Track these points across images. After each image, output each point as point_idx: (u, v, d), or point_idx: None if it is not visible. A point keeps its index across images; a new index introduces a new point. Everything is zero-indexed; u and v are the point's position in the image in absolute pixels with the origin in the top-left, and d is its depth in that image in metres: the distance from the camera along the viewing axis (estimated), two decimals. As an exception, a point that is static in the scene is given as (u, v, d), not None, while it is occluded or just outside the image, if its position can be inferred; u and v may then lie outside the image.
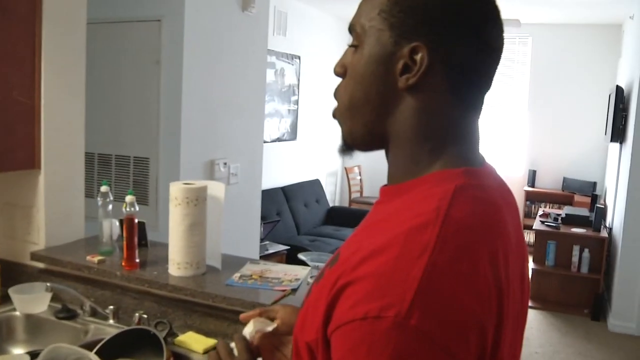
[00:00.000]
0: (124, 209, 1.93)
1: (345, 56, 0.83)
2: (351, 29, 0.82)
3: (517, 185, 7.50)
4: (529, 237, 6.33)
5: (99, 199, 2.05)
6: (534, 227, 5.68)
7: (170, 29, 3.07)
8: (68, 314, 1.94)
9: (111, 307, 1.90)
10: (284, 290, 1.79)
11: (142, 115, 3.18)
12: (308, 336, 0.73)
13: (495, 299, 0.67)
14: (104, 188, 2.05)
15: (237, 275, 1.91)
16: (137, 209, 1.96)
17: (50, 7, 2.02)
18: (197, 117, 3.24)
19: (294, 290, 1.80)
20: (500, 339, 0.69)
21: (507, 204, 0.80)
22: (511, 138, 7.74)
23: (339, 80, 0.85)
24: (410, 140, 0.78)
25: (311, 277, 1.77)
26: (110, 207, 2.07)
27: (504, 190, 0.83)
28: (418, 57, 0.74)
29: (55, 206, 2.14)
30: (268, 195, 5.54)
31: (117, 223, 2.13)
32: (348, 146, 0.86)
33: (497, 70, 0.81)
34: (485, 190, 0.77)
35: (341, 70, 0.83)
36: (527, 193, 7.51)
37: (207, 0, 3.22)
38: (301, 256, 1.71)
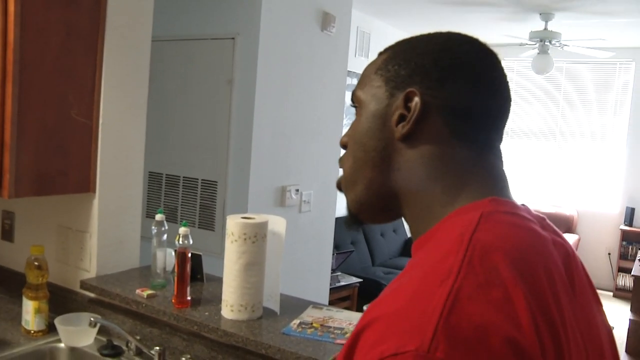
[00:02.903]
0: (176, 242, 1.77)
1: (350, 127, 0.81)
2: (354, 94, 0.80)
3: (611, 224, 6.95)
4: (625, 281, 5.79)
5: (153, 227, 1.90)
6: (633, 273, 5.16)
7: (245, 47, 2.94)
8: (113, 351, 1.82)
9: (157, 347, 1.73)
10: (346, 345, 1.56)
11: (211, 136, 3.06)
12: None
13: (546, 333, 0.56)
14: (158, 216, 1.89)
15: (296, 322, 1.70)
16: (192, 241, 1.79)
17: (113, 24, 1.91)
18: (268, 140, 3.08)
19: (358, 346, 1.57)
20: None
21: (556, 244, 0.70)
22: (605, 171, 7.19)
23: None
24: (420, 188, 0.73)
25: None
26: (165, 236, 1.91)
27: (553, 232, 0.73)
28: (412, 103, 0.72)
29: (109, 232, 2.01)
30: (343, 223, 5.32)
31: (173, 253, 1.97)
32: (354, 217, 0.80)
33: (507, 117, 0.76)
34: (521, 218, 0.68)
35: (346, 139, 0.81)
36: (624, 232, 6.92)
37: (284, 18, 3.08)
38: (366, 308, 1.48)
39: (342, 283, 4.59)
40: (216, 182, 3.06)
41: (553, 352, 0.57)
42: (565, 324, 0.60)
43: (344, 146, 0.82)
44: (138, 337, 1.80)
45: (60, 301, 2.00)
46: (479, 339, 0.53)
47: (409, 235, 6.99)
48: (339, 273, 4.70)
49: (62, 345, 1.85)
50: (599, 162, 7.19)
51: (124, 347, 1.82)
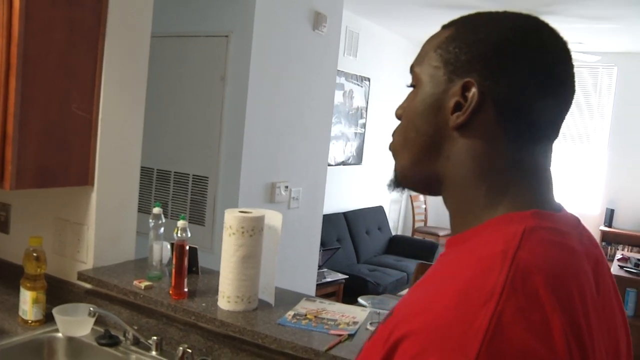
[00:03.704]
0: (175, 234, 1.81)
1: (406, 98, 0.81)
2: (412, 69, 0.80)
3: (592, 225, 7.07)
4: (605, 280, 5.91)
5: (150, 220, 1.94)
6: (612, 272, 5.27)
7: (238, 45, 2.99)
8: (110, 341, 1.85)
9: (155, 337, 1.78)
10: (340, 335, 1.62)
11: (203, 132, 3.10)
12: None
13: (577, 355, 0.59)
14: (156, 210, 1.94)
15: (290, 313, 1.76)
16: (189, 234, 1.83)
17: (115, 21, 1.94)
18: (260, 137, 3.13)
19: (351, 336, 1.63)
20: None
21: (588, 256, 0.70)
22: (586, 173, 7.33)
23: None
24: (465, 183, 0.73)
25: (371, 322, 1.59)
26: (161, 229, 1.96)
27: (587, 240, 0.74)
28: (470, 93, 0.70)
29: (107, 225, 2.04)
30: (329, 220, 5.39)
31: (169, 246, 2.01)
32: (398, 182, 0.82)
33: (566, 112, 0.74)
34: (561, 234, 0.68)
35: (401, 112, 0.81)
36: (603, 233, 7.06)
37: (277, 17, 3.13)
38: (361, 300, 1.55)
39: (328, 279, 4.64)
40: (207, 177, 3.10)
41: None
42: (593, 343, 0.63)
43: (398, 118, 0.82)
44: (135, 327, 1.84)
45: (57, 292, 2.02)
46: None
47: (394, 233, 7.09)
48: (325, 269, 4.75)
49: (59, 334, 1.87)
50: (580, 164, 7.32)
51: (122, 337, 1.85)
